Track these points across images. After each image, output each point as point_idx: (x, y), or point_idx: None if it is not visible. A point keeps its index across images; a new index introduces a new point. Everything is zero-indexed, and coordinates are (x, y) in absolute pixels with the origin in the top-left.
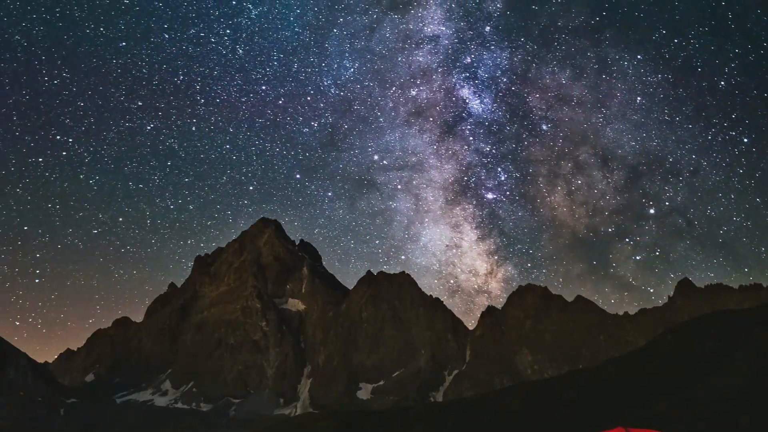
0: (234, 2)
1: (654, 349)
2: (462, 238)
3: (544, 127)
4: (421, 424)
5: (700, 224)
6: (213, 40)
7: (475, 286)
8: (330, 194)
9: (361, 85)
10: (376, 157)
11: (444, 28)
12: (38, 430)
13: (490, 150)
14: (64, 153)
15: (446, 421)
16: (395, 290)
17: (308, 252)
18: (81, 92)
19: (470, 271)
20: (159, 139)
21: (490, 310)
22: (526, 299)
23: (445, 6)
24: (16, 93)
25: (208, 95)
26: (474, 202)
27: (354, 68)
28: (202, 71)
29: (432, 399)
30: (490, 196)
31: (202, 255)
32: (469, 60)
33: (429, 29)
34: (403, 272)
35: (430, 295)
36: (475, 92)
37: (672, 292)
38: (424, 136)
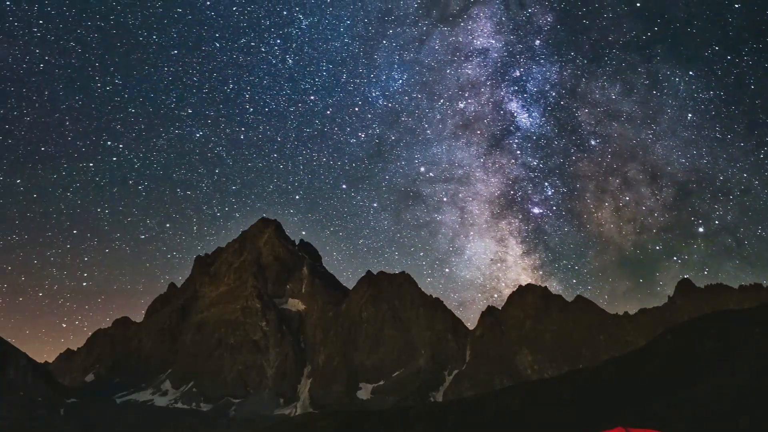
0: (285, 12)
1: (654, 349)
2: (507, 253)
3: (593, 142)
4: (421, 424)
5: (750, 244)
6: (263, 49)
7: None
8: (375, 205)
9: (409, 97)
10: (422, 169)
11: (493, 41)
12: (38, 430)
13: (538, 164)
14: (114, 158)
15: (446, 421)
16: (395, 290)
17: (308, 252)
18: (132, 99)
19: (514, 286)
20: (207, 146)
21: (490, 310)
22: (526, 299)
23: (494, 19)
24: (70, 98)
25: (257, 104)
26: (520, 217)
27: (402, 80)
28: (251, 80)
29: (432, 399)
30: (536, 210)
31: (202, 255)
32: (518, 73)
33: (478, 42)
34: (403, 272)
35: (430, 295)
36: (523, 106)
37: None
38: (471, 148)
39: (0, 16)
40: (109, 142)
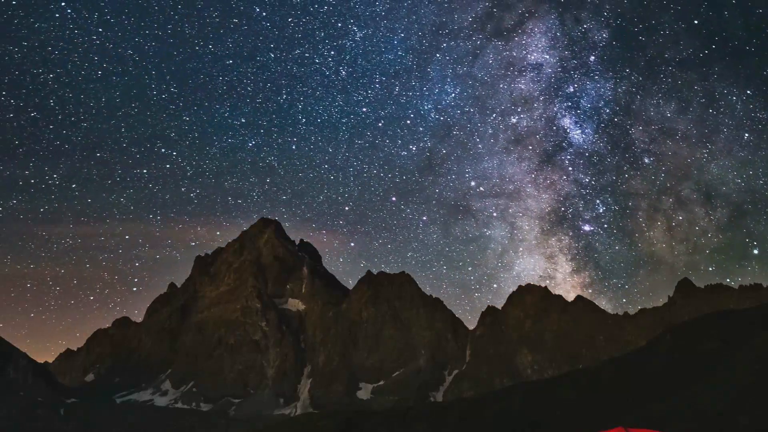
0: (339, 24)
1: (654, 349)
2: (556, 270)
3: (646, 160)
4: (421, 424)
5: None
6: (317, 60)
7: None
8: (425, 218)
9: (461, 111)
10: (473, 184)
11: (548, 57)
12: (38, 430)
13: (589, 181)
14: (167, 165)
15: (446, 421)
16: (395, 290)
17: (308, 252)
18: (187, 107)
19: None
20: (259, 155)
21: (490, 310)
22: (526, 299)
23: (549, 34)
24: (126, 105)
25: (309, 115)
26: (570, 234)
27: (455, 93)
28: (304, 91)
29: (432, 399)
30: (587, 228)
31: (202, 255)
32: (571, 89)
33: (532, 57)
34: (403, 272)
35: (430, 295)
36: (576, 122)
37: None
38: (523, 164)
39: (60, 25)
40: (163, 150)
